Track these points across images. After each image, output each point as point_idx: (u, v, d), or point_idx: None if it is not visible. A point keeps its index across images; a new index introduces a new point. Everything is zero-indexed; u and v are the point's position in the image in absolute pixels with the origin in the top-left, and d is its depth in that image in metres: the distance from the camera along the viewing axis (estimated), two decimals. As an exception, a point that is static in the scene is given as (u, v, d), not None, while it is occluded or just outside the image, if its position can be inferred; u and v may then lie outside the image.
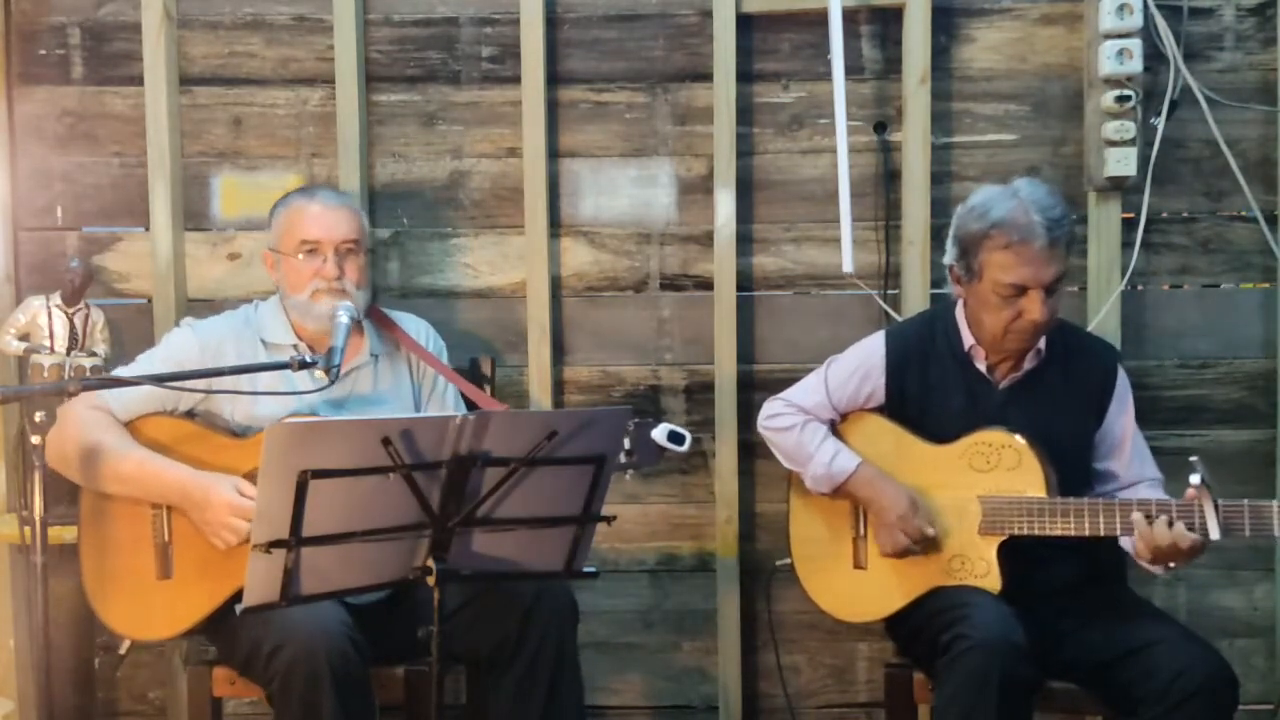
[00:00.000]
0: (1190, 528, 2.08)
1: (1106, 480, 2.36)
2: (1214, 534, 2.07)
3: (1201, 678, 2.01)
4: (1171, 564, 2.15)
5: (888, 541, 2.30)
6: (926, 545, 2.27)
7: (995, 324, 2.25)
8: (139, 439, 2.24)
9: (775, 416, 2.45)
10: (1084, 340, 2.44)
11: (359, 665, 2.03)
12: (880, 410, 2.41)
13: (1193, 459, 2.06)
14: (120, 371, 2.32)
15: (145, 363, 2.32)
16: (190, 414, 2.32)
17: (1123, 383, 2.37)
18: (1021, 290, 2.19)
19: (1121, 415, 2.36)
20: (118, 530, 2.23)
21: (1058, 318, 2.27)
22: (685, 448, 2.13)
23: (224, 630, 2.17)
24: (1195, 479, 2.05)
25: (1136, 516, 2.12)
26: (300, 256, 2.33)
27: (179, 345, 2.34)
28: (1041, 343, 2.31)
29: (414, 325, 2.51)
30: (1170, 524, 2.09)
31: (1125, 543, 2.24)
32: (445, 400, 2.48)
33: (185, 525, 2.19)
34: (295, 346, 2.37)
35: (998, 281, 2.21)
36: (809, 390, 2.44)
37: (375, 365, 2.43)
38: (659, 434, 2.11)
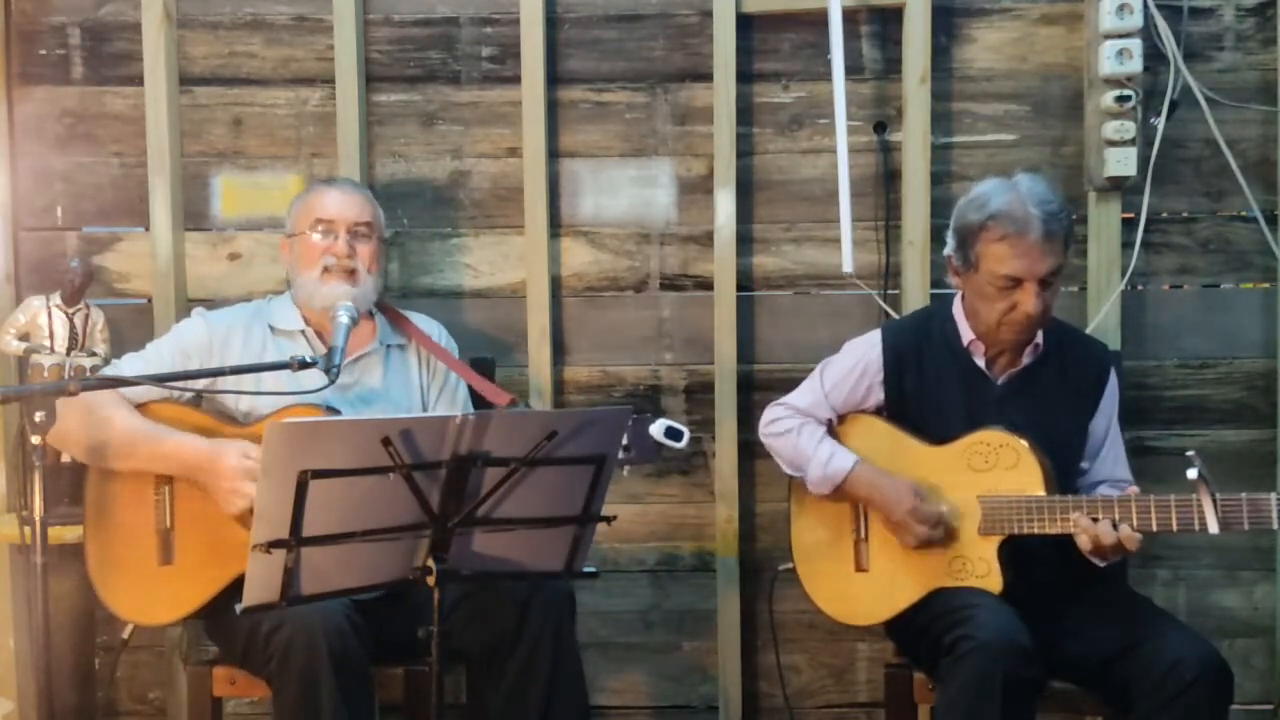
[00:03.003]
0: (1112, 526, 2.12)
1: (1083, 473, 2.37)
2: (1212, 528, 2.07)
3: (1196, 669, 2.02)
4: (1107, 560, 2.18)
5: (906, 536, 2.29)
6: (944, 528, 2.26)
7: (990, 315, 2.25)
8: None
9: (774, 422, 2.45)
10: (1078, 337, 2.45)
11: (357, 646, 2.04)
12: (879, 410, 2.42)
13: (1189, 453, 2.05)
14: (131, 356, 2.36)
15: (155, 349, 2.35)
16: (198, 397, 2.34)
17: (1113, 380, 2.39)
18: (1016, 282, 2.20)
19: (1110, 410, 2.38)
20: (121, 516, 2.25)
21: (1051, 315, 2.28)
22: (683, 444, 2.13)
23: (224, 619, 2.18)
24: (1192, 473, 2.05)
25: (1075, 516, 2.15)
26: (314, 234, 2.35)
27: (188, 333, 2.37)
28: (1039, 338, 2.32)
29: (426, 323, 2.52)
30: (1114, 526, 2.12)
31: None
32: (456, 397, 2.49)
33: (187, 511, 2.21)
34: (303, 332, 2.39)
35: (993, 273, 2.22)
36: (807, 393, 2.45)
37: (385, 355, 2.44)
38: (656, 430, 2.10)
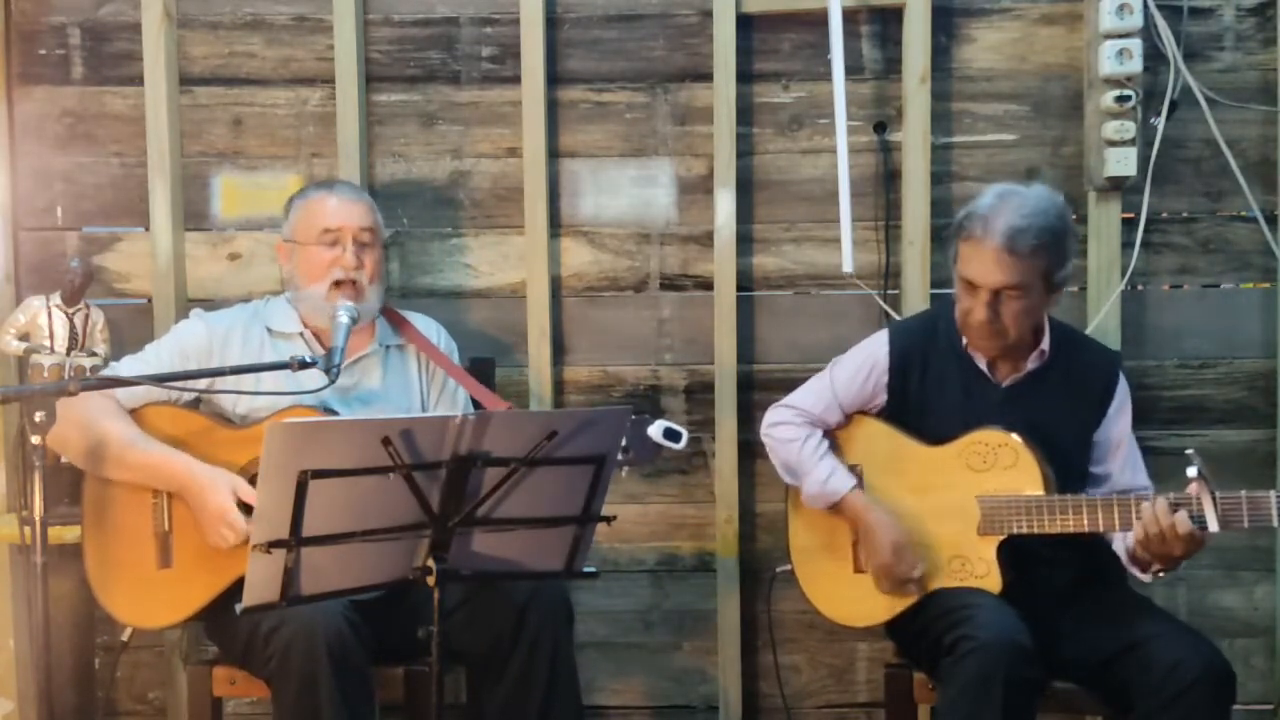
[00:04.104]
0: (1189, 518, 2.08)
1: (1098, 483, 2.35)
2: (1212, 526, 2.06)
3: (1198, 670, 2.02)
4: (1163, 566, 2.14)
5: (878, 583, 2.31)
6: (918, 584, 2.27)
7: (958, 313, 2.29)
8: (144, 428, 2.25)
9: (780, 425, 2.44)
10: (1088, 345, 2.44)
11: (356, 646, 2.04)
12: (880, 411, 2.41)
13: (1189, 452, 2.05)
14: (129, 358, 2.36)
15: (154, 350, 2.35)
16: (196, 401, 2.34)
17: (1123, 389, 2.36)
18: (973, 286, 2.22)
19: (1119, 419, 2.35)
20: (119, 519, 2.25)
21: (1014, 332, 2.24)
22: (681, 445, 2.13)
23: (224, 619, 2.18)
24: (1192, 471, 2.04)
25: (1145, 505, 2.10)
26: (320, 246, 2.35)
27: (187, 335, 2.37)
28: (1046, 344, 2.31)
29: (425, 324, 2.52)
30: (1172, 509, 2.07)
31: (1118, 546, 2.25)
32: (456, 400, 2.49)
33: (185, 515, 2.21)
34: (301, 334, 2.39)
35: (958, 271, 2.26)
36: (815, 394, 2.43)
37: (385, 356, 2.44)
38: (655, 431, 2.11)
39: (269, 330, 2.39)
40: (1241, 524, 2.07)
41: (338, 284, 2.33)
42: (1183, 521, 2.06)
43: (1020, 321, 2.23)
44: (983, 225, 2.18)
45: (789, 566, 2.48)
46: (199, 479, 2.16)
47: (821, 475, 2.35)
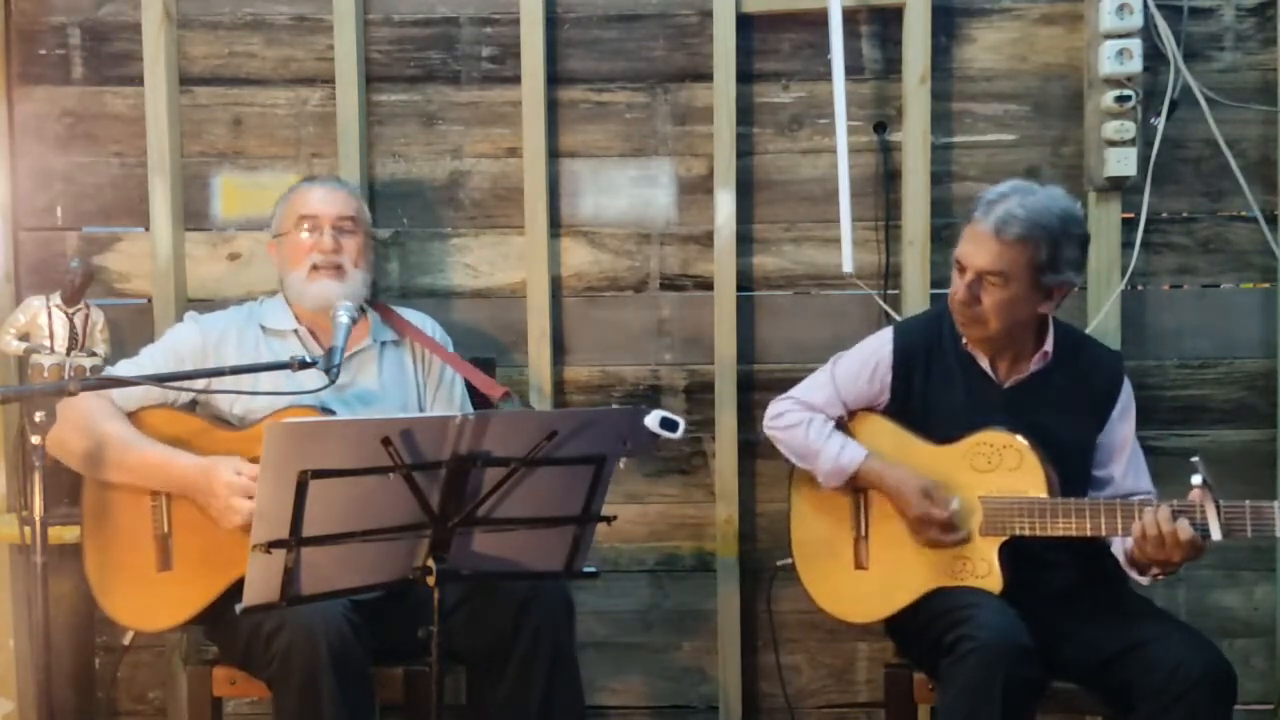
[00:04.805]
0: (1191, 525, 2.08)
1: (1101, 486, 2.35)
2: (1216, 535, 2.06)
3: (1199, 671, 2.02)
4: (1161, 570, 2.14)
5: (919, 538, 2.29)
6: (956, 527, 2.24)
7: (949, 295, 2.30)
8: (141, 430, 2.25)
9: (781, 415, 2.45)
10: (1093, 347, 2.43)
11: (357, 647, 2.04)
12: (884, 409, 2.41)
13: (1194, 459, 2.05)
14: (124, 362, 2.35)
15: (149, 354, 2.35)
16: (192, 403, 2.34)
17: (1127, 392, 2.36)
18: (961, 267, 2.23)
19: (1123, 423, 2.35)
20: (119, 522, 2.24)
21: (992, 323, 2.24)
22: (678, 434, 2.12)
23: (224, 621, 2.17)
24: (1197, 479, 2.04)
25: (1148, 511, 2.10)
26: (300, 232, 2.37)
27: (182, 337, 2.37)
28: (1049, 345, 2.31)
29: (420, 320, 2.53)
30: (1174, 517, 2.08)
31: (1116, 548, 2.25)
32: (453, 393, 2.49)
33: (185, 517, 2.20)
34: (296, 331, 2.39)
35: (955, 253, 2.28)
36: (817, 388, 2.44)
37: (380, 352, 2.44)
38: (651, 420, 2.10)
39: (264, 328, 2.40)
40: (1245, 533, 2.07)
41: (316, 268, 2.35)
42: (1184, 529, 2.07)
43: (1001, 313, 2.22)
44: (985, 209, 2.21)
45: (790, 560, 2.48)
46: (201, 468, 2.15)
47: (833, 450, 2.36)
